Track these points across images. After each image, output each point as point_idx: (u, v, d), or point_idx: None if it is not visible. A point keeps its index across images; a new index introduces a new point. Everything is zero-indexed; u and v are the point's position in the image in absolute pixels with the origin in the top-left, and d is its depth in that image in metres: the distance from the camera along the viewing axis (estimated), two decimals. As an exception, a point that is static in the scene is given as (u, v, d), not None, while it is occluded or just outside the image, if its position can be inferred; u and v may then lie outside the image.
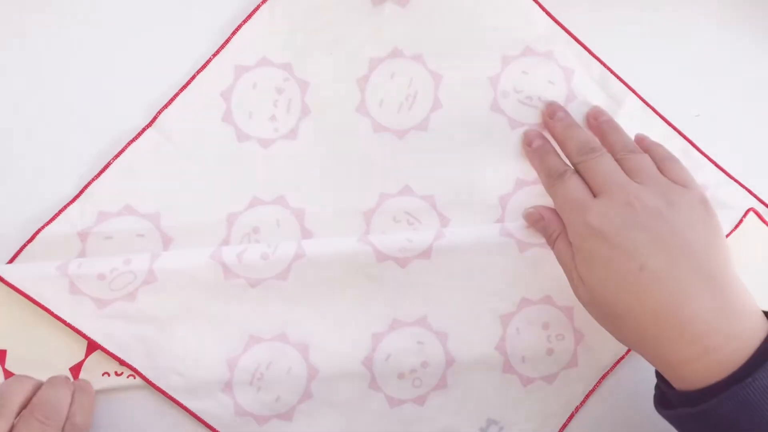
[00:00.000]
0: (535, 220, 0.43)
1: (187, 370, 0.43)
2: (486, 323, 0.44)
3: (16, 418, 0.38)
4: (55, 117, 0.45)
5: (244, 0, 0.46)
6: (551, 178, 0.41)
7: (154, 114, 0.45)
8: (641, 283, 0.35)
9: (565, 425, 0.45)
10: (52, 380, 0.40)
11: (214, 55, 0.45)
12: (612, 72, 0.46)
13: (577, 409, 0.45)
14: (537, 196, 0.45)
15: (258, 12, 0.45)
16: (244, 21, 0.45)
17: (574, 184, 0.39)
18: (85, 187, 0.44)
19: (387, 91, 0.45)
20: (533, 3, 0.46)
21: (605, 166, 0.39)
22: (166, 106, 0.45)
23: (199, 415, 0.43)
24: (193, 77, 0.45)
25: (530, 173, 0.45)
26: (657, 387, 0.38)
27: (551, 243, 0.41)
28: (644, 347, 0.36)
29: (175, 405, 0.43)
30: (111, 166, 0.44)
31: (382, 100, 0.45)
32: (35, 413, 0.38)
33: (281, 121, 0.45)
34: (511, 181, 0.45)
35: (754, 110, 0.48)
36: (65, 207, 0.44)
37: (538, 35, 0.46)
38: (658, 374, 0.37)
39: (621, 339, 0.38)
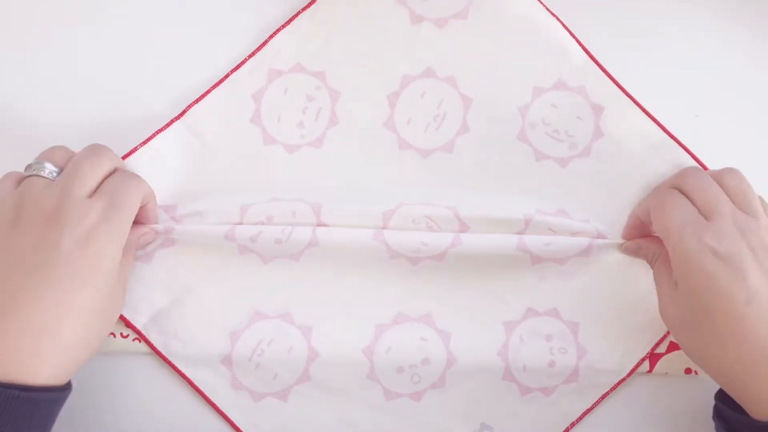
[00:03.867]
0: (634, 251, 0.44)
1: (190, 338, 0.44)
2: (490, 328, 0.45)
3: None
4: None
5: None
6: (658, 196, 0.42)
7: (183, 107, 0.45)
8: (748, 316, 0.36)
9: None
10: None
11: (250, 56, 0.46)
12: (646, 112, 0.45)
13: (572, 424, 0.45)
14: (557, 226, 0.44)
15: (298, 18, 0.46)
16: (283, 25, 0.46)
17: (685, 202, 0.39)
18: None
19: (416, 109, 0.46)
20: (569, 36, 0.46)
21: (714, 189, 0.39)
22: (197, 101, 0.45)
23: (195, 383, 0.44)
24: (227, 76, 0.45)
25: (551, 206, 0.45)
26: (718, 407, 0.39)
27: (652, 264, 0.42)
28: (730, 377, 0.37)
29: (174, 374, 0.44)
30: (136, 153, 0.44)
31: (411, 118, 0.46)
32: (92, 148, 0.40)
33: (308, 128, 0.45)
34: (531, 212, 0.44)
35: (754, 110, 0.48)
36: None
37: (571, 68, 0.46)
38: (722, 395, 0.39)
39: (703, 364, 0.39)
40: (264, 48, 0.46)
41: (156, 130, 0.44)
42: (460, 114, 0.46)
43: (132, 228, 0.40)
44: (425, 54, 0.46)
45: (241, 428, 0.44)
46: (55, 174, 0.38)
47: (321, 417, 0.44)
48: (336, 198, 0.44)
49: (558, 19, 0.46)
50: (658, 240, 0.42)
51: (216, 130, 0.45)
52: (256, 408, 0.44)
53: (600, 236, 0.44)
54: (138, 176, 0.41)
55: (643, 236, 0.44)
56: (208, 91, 0.45)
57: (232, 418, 0.44)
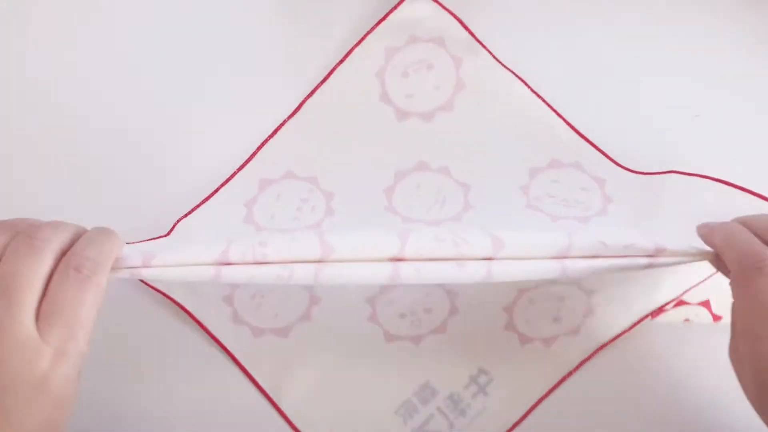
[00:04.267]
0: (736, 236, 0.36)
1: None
2: (500, 290, 0.43)
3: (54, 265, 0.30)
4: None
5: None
6: (745, 268, 0.33)
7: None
8: None
9: (553, 388, 0.44)
10: (96, 229, 0.33)
11: (240, 168, 0.45)
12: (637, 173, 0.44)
13: (570, 373, 0.44)
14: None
15: (285, 126, 0.46)
16: (270, 135, 0.45)
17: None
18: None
19: (415, 198, 0.44)
20: (556, 117, 0.46)
21: None
22: (186, 215, 0.43)
23: (195, 315, 0.43)
24: (218, 189, 0.44)
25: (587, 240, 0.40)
26: None
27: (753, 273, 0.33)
28: None
29: (173, 306, 0.43)
30: None
31: (412, 205, 0.44)
32: (73, 262, 0.30)
33: (304, 220, 0.43)
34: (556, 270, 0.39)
35: (754, 110, 0.47)
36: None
37: (563, 147, 0.45)
38: None
39: None
40: (253, 159, 0.45)
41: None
42: (460, 198, 0.44)
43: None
44: (415, 149, 0.45)
45: (242, 362, 0.43)
46: None
47: (321, 356, 0.44)
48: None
49: (539, 96, 0.46)
50: None
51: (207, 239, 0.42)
52: (256, 344, 0.43)
53: (659, 250, 0.36)
54: (95, 262, 0.31)
55: None
56: (197, 206, 0.44)
57: (232, 351, 0.43)
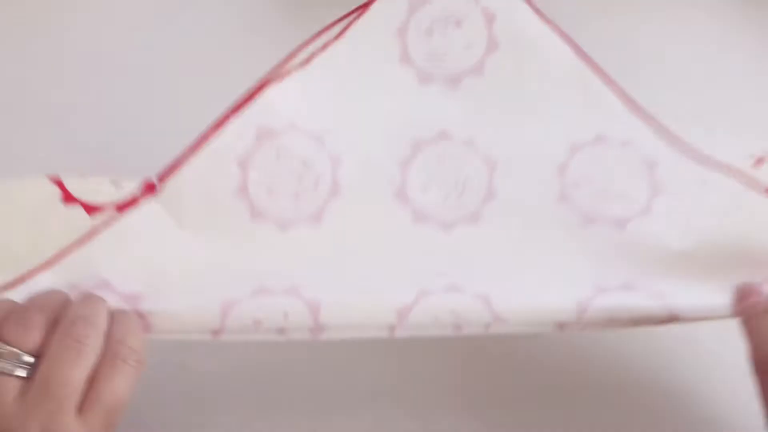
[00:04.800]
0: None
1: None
2: None
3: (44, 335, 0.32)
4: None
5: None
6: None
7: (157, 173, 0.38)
8: None
9: None
10: (120, 311, 0.36)
11: (233, 111, 0.38)
12: (716, 164, 0.40)
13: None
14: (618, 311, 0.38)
15: (289, 77, 0.39)
16: (268, 80, 0.38)
17: None
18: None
19: (432, 176, 0.39)
20: (604, 85, 0.40)
21: None
22: (171, 171, 0.38)
23: None
24: (207, 137, 0.38)
25: (614, 278, 0.39)
26: None
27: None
28: None
29: None
30: (97, 238, 0.37)
31: (426, 186, 0.39)
32: (120, 354, 0.33)
33: (305, 199, 0.39)
34: (586, 287, 0.38)
35: (754, 110, 0.47)
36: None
37: (614, 120, 0.40)
38: None
39: None
40: (251, 103, 0.38)
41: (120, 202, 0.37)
42: (484, 179, 0.39)
43: None
44: (437, 116, 0.40)
45: None
46: (30, 367, 0.31)
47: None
48: (338, 288, 0.38)
49: (589, 60, 0.40)
50: None
51: (195, 205, 0.38)
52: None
53: (672, 318, 0.38)
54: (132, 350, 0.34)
55: None
56: (184, 157, 0.38)
57: None
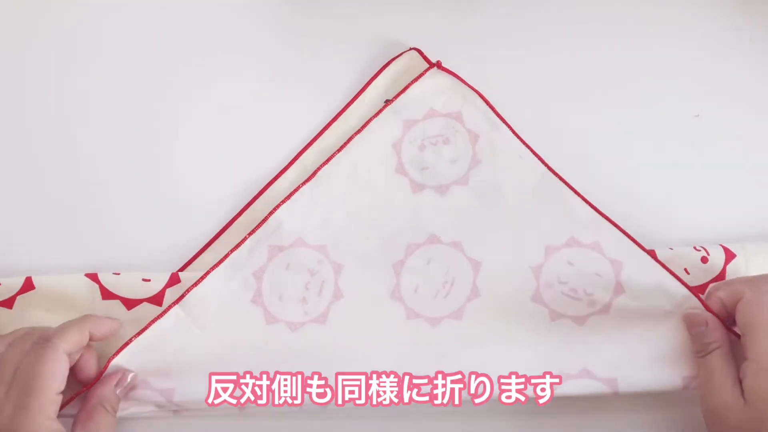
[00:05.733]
0: (697, 323, 0.41)
1: None
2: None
3: None
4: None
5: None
6: (757, 288, 0.39)
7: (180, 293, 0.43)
8: None
9: None
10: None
11: (250, 234, 0.45)
12: (667, 269, 0.43)
13: None
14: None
15: (298, 192, 0.45)
16: (283, 201, 0.45)
17: None
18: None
19: (423, 276, 0.44)
20: (575, 195, 0.45)
21: None
22: (195, 285, 0.43)
23: None
24: (227, 256, 0.44)
25: (573, 367, 0.42)
26: None
27: (703, 353, 0.40)
28: None
29: None
30: (132, 343, 0.42)
31: (418, 286, 0.44)
32: None
33: (312, 304, 0.44)
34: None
35: (754, 110, 0.47)
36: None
37: (583, 226, 0.44)
38: None
39: None
40: (264, 225, 0.45)
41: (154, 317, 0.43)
42: (469, 279, 0.44)
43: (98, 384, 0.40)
44: (428, 222, 0.45)
45: None
46: None
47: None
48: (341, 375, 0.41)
49: (558, 175, 0.45)
50: (724, 330, 0.40)
51: (215, 312, 0.43)
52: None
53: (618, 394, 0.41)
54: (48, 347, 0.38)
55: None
56: (207, 273, 0.44)
57: None
